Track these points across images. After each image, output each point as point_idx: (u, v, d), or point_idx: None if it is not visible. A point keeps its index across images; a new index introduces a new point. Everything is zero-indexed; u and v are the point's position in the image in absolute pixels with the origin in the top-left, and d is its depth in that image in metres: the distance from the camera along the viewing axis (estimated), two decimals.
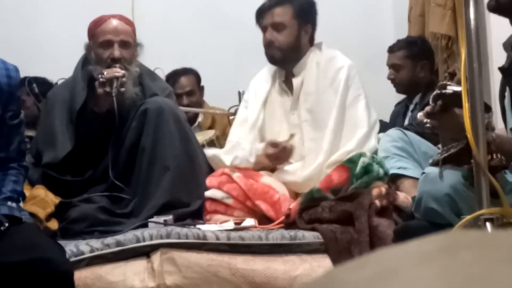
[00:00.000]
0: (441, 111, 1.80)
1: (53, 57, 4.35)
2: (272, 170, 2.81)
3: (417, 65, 3.58)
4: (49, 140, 2.69)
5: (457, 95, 1.68)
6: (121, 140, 2.66)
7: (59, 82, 3.30)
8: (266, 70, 3.04)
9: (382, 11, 4.94)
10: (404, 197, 2.52)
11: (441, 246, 0.38)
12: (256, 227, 2.49)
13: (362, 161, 2.58)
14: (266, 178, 2.70)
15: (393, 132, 2.75)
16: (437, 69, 3.74)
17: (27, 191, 2.44)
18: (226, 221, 2.53)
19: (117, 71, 2.58)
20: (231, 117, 3.58)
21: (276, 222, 2.52)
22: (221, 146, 3.24)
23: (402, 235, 2.20)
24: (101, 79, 2.57)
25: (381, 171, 2.59)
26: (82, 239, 2.34)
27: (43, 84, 3.91)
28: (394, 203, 2.49)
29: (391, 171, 2.62)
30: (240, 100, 3.49)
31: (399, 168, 2.62)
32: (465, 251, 0.37)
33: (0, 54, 2.18)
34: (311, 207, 2.51)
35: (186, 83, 4.09)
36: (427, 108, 1.83)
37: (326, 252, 2.36)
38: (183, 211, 2.56)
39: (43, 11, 4.68)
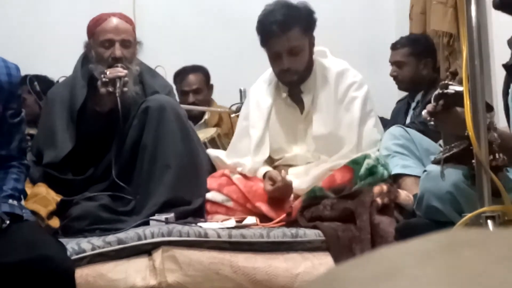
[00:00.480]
0: (443, 110, 1.79)
1: (55, 55, 4.34)
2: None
3: (421, 62, 3.57)
4: (49, 139, 2.69)
5: (459, 95, 1.68)
6: (122, 138, 2.66)
7: (60, 80, 3.30)
8: (266, 81, 2.89)
9: (383, 9, 4.94)
10: (405, 195, 2.52)
11: (443, 244, 0.38)
12: (257, 225, 2.49)
13: (366, 163, 2.57)
14: None
15: (395, 129, 2.74)
16: (438, 67, 3.74)
17: (28, 189, 2.45)
18: (227, 219, 2.53)
19: (120, 70, 2.58)
20: (232, 115, 3.58)
21: (278, 219, 2.52)
22: (223, 144, 3.24)
23: (403, 233, 2.20)
24: (103, 79, 2.56)
25: (385, 173, 2.58)
26: (84, 237, 2.34)
27: (44, 82, 3.91)
28: (395, 201, 2.49)
29: (394, 171, 2.61)
30: (241, 98, 3.49)
31: (401, 167, 2.62)
32: (467, 249, 0.37)
33: (1, 52, 2.18)
34: (313, 205, 2.51)
35: (194, 81, 4.09)
36: (429, 107, 1.83)
37: (327, 250, 2.36)
38: (185, 209, 2.56)
39: (44, 9, 4.68)
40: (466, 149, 1.68)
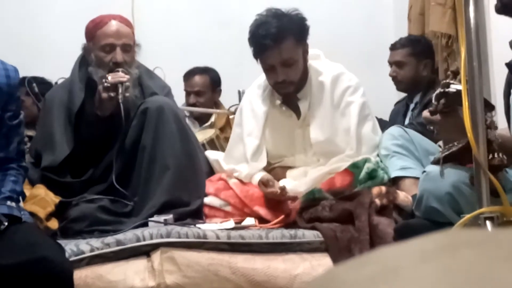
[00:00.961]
0: (444, 109, 1.80)
1: (53, 57, 4.34)
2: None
3: (421, 63, 3.57)
4: (47, 142, 2.68)
5: (460, 93, 1.68)
6: (123, 141, 2.66)
7: (58, 82, 3.29)
8: (260, 87, 2.85)
9: (382, 10, 4.94)
10: (404, 196, 2.51)
11: (442, 245, 0.38)
12: (256, 226, 2.49)
13: (366, 167, 2.56)
14: None
15: (394, 129, 2.74)
16: (437, 68, 3.74)
17: (27, 191, 2.44)
18: (226, 220, 2.53)
19: (122, 75, 2.56)
20: (231, 116, 3.58)
21: (276, 220, 2.52)
22: (221, 145, 3.23)
23: (402, 233, 2.20)
24: (105, 84, 2.55)
25: (385, 177, 2.58)
26: (82, 238, 2.34)
27: (43, 84, 3.91)
28: (394, 202, 2.49)
29: (393, 173, 2.61)
30: (240, 99, 3.49)
31: (400, 168, 2.61)
32: (466, 249, 0.37)
33: (0, 53, 2.18)
34: (312, 206, 2.51)
35: (197, 83, 4.07)
36: (430, 108, 1.84)
37: (326, 251, 2.36)
38: (183, 210, 2.56)
39: (43, 10, 4.68)
40: (465, 148, 1.68)
